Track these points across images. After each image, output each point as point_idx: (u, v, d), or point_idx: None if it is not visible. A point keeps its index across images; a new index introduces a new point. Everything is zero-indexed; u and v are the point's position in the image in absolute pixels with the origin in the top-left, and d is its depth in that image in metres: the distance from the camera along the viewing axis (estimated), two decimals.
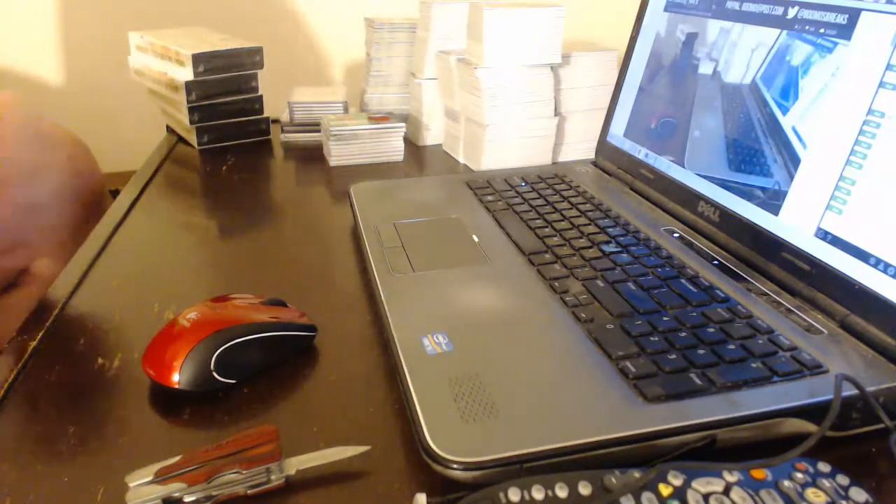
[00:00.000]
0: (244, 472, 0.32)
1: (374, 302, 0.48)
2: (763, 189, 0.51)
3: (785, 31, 0.52)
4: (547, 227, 0.58)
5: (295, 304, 0.47)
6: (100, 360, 0.44)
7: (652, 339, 0.40)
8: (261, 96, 0.90)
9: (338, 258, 0.58)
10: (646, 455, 0.33)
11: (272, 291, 0.52)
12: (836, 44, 0.47)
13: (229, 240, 0.62)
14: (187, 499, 0.32)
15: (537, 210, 0.62)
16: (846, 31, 0.47)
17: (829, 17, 0.48)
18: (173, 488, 0.32)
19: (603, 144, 0.75)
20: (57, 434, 0.37)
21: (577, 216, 0.60)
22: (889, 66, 0.43)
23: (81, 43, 1.11)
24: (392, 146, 0.84)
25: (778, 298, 0.46)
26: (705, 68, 0.60)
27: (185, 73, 0.84)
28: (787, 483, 0.29)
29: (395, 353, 0.40)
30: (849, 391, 0.35)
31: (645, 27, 0.70)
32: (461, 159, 0.84)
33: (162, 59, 0.89)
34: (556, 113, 0.81)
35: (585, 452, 0.33)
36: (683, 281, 0.47)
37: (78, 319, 0.49)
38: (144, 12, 1.14)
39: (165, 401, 0.40)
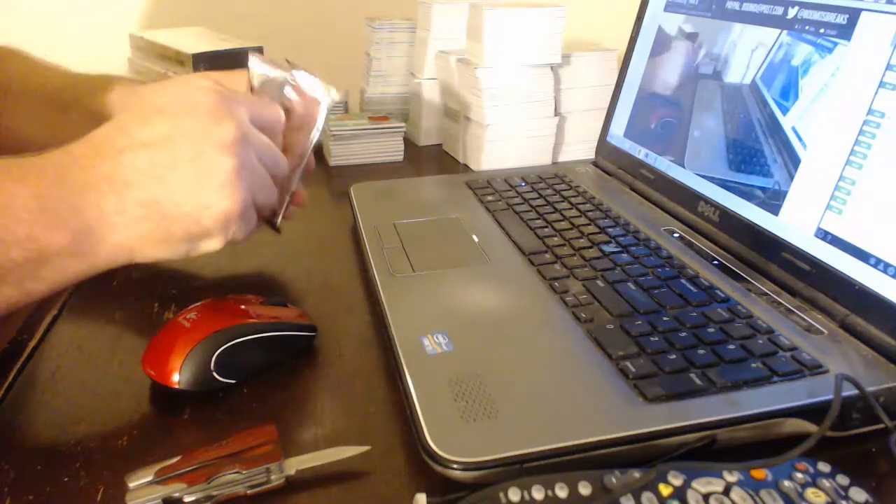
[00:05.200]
0: (244, 472, 0.32)
1: (374, 302, 0.48)
2: (763, 189, 0.51)
3: (785, 31, 0.52)
4: (547, 227, 0.58)
5: (295, 304, 0.47)
6: (100, 361, 0.44)
7: (652, 339, 0.40)
8: None
9: (338, 258, 0.58)
10: (646, 455, 0.33)
11: (272, 291, 0.52)
12: (836, 44, 0.47)
13: None
14: (187, 499, 0.32)
15: (537, 210, 0.62)
16: (846, 31, 0.47)
17: (829, 17, 0.48)
18: (173, 488, 0.32)
19: (603, 144, 0.75)
20: (57, 434, 0.37)
21: (577, 216, 0.60)
22: (889, 66, 0.43)
23: (81, 43, 1.11)
24: (392, 146, 0.84)
25: (778, 298, 0.46)
26: (705, 68, 0.60)
27: (186, 73, 0.83)
28: (787, 483, 0.29)
29: (395, 353, 0.40)
30: (849, 391, 0.35)
31: (645, 27, 0.70)
32: (461, 159, 0.84)
33: (162, 59, 0.88)
34: (557, 113, 0.81)
35: (585, 452, 0.33)
36: (683, 281, 0.47)
37: (78, 319, 0.49)
38: (144, 12, 1.14)
39: (165, 401, 0.40)
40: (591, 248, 0.53)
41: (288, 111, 0.47)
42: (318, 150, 0.87)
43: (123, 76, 0.62)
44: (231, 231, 0.40)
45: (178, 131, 0.38)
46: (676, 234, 0.56)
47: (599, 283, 0.48)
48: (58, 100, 0.57)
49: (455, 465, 0.32)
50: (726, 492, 0.29)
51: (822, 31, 0.49)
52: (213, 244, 0.40)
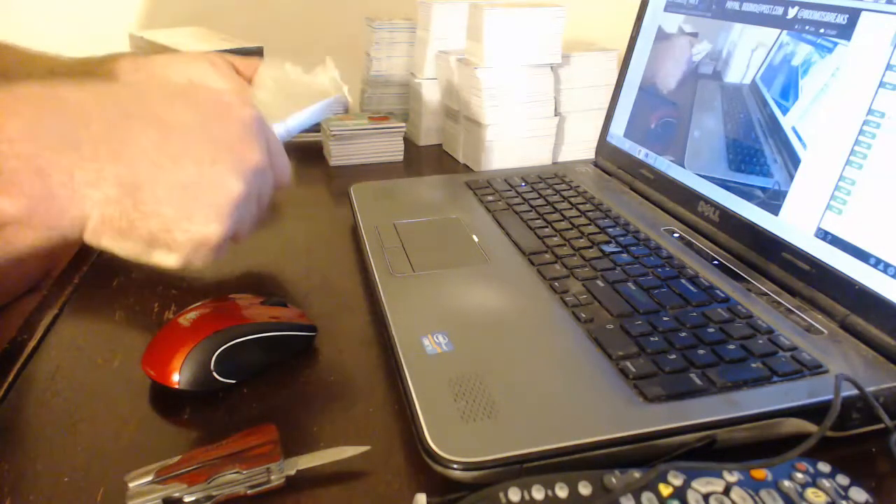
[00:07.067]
0: (244, 472, 0.32)
1: (374, 302, 0.48)
2: (763, 189, 0.51)
3: (785, 31, 0.52)
4: (547, 227, 0.58)
5: (295, 304, 0.47)
6: (100, 361, 0.44)
7: (652, 339, 0.40)
8: None
9: (338, 258, 0.58)
10: (646, 455, 0.33)
11: (272, 291, 0.52)
12: (836, 44, 0.47)
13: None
14: (187, 499, 0.32)
15: (537, 210, 0.62)
16: (846, 31, 0.47)
17: (829, 17, 0.48)
18: (173, 488, 0.32)
19: (603, 144, 0.75)
20: (57, 434, 0.37)
21: (577, 216, 0.60)
22: (889, 66, 0.43)
23: (80, 43, 1.11)
24: (392, 146, 0.84)
25: (778, 298, 0.46)
26: (705, 68, 0.60)
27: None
28: (787, 483, 0.29)
29: (395, 353, 0.40)
30: (849, 391, 0.35)
31: (645, 27, 0.70)
32: (461, 159, 0.84)
33: None
34: (556, 113, 0.81)
35: (585, 452, 0.33)
36: (683, 281, 0.47)
37: (77, 319, 0.49)
38: (144, 12, 1.14)
39: (165, 401, 0.40)
40: (591, 248, 0.53)
41: None
42: (318, 150, 0.87)
43: (131, 52, 0.61)
44: (196, 257, 0.36)
45: (201, 128, 0.34)
46: (676, 234, 0.56)
47: (599, 283, 0.48)
48: (68, 77, 0.55)
49: (455, 465, 0.32)
50: (726, 492, 0.29)
51: (822, 31, 0.49)
52: (168, 260, 0.35)
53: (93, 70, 0.55)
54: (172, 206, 0.33)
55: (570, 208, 0.62)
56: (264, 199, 0.40)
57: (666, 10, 0.67)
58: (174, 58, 0.58)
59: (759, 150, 0.52)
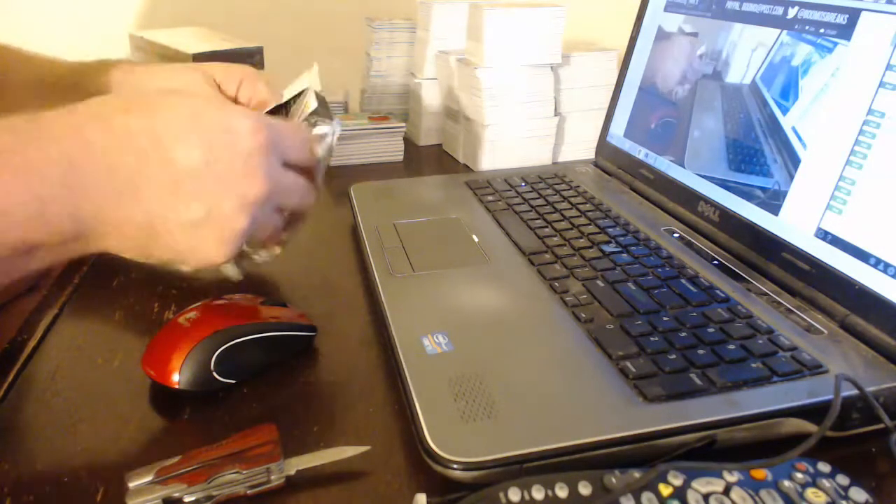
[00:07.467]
0: (244, 472, 0.32)
1: (374, 302, 0.48)
2: (763, 189, 0.51)
3: (785, 31, 0.52)
4: (547, 227, 0.58)
5: (295, 304, 0.47)
6: (100, 361, 0.44)
7: (652, 339, 0.40)
8: None
9: (338, 258, 0.58)
10: (646, 455, 0.33)
11: (272, 291, 0.52)
12: (836, 44, 0.47)
13: None
14: (187, 499, 0.32)
15: (537, 210, 0.62)
16: (846, 31, 0.47)
17: (829, 17, 0.48)
18: (173, 488, 0.32)
19: (603, 144, 0.75)
20: (57, 434, 0.37)
21: (577, 216, 0.60)
22: (889, 66, 0.43)
23: (80, 43, 1.11)
24: (392, 146, 0.84)
25: (778, 298, 0.46)
26: (705, 68, 0.60)
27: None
28: (787, 483, 0.29)
29: (395, 353, 0.40)
30: (849, 391, 0.35)
31: (645, 27, 0.70)
32: (461, 159, 0.84)
33: (162, 59, 0.88)
34: (556, 113, 0.81)
35: (585, 452, 0.33)
36: (683, 281, 0.47)
37: (77, 319, 0.49)
38: (144, 12, 1.14)
39: (165, 401, 0.40)
40: (591, 248, 0.53)
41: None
42: None
43: (122, 59, 0.61)
44: (205, 268, 0.39)
45: (208, 167, 0.36)
46: (676, 234, 0.56)
47: (599, 283, 0.48)
48: (57, 86, 0.56)
49: (455, 465, 0.32)
50: (726, 492, 0.29)
51: (822, 31, 0.49)
52: (182, 267, 0.39)
53: (83, 82, 0.55)
54: (184, 242, 0.37)
55: (570, 208, 0.62)
56: (275, 218, 0.42)
57: (666, 10, 0.67)
58: (165, 72, 0.58)
59: (759, 150, 0.52)
